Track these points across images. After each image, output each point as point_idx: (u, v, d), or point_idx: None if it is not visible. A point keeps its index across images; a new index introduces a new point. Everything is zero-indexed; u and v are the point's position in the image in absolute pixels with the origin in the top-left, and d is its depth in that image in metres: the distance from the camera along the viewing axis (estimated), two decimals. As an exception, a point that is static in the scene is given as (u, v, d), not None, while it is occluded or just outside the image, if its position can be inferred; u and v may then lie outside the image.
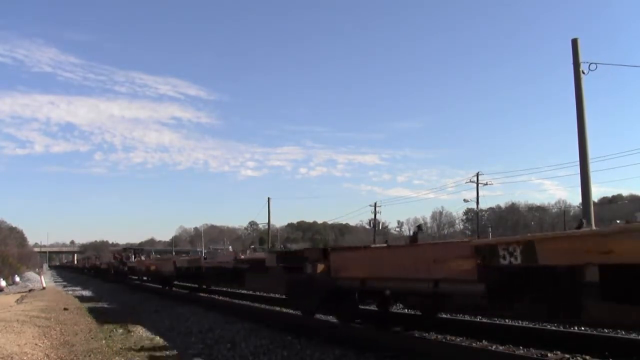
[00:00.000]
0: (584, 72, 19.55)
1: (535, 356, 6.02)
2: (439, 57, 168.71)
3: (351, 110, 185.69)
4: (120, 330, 11.49)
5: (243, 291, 16.17)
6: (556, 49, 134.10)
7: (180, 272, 17.38)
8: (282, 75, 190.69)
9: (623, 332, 6.74)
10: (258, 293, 15.44)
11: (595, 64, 19.57)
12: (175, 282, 20.17)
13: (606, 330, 7.10)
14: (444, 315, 8.90)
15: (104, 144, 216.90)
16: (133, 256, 34.54)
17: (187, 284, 19.63)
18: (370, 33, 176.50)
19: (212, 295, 17.28)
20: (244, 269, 12.08)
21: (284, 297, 13.05)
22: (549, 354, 6.07)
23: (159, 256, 50.68)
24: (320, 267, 7.97)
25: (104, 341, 10.12)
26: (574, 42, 19.74)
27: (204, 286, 17.85)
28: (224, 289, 17.46)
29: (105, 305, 18.76)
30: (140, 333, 11.04)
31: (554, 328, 7.13)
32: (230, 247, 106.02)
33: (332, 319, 9.30)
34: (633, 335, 6.32)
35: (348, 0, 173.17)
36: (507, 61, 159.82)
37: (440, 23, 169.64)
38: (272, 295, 14.43)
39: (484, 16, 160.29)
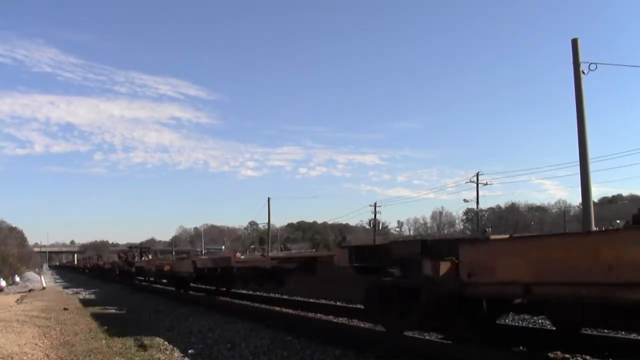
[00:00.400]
0: (584, 72, 19.57)
1: (535, 356, 6.01)
2: (439, 57, 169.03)
3: (351, 110, 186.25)
4: (120, 330, 11.49)
5: (264, 294, 15.78)
6: (556, 49, 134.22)
7: (202, 273, 15.30)
8: (282, 75, 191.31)
9: (623, 333, 6.73)
10: (258, 293, 15.33)
11: (595, 64, 19.61)
12: (192, 284, 18.06)
13: (606, 330, 7.10)
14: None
15: (103, 144, 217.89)
16: (139, 256, 33.51)
17: (208, 287, 17.67)
18: (370, 33, 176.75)
19: (212, 296, 17.27)
20: (286, 269, 10.36)
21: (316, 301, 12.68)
22: (549, 354, 6.06)
23: (161, 256, 50.51)
24: (445, 267, 5.60)
25: (104, 341, 10.12)
26: (574, 42, 19.76)
27: (223, 289, 16.18)
28: (256, 293, 15.83)
29: (106, 306, 18.75)
30: (140, 333, 11.04)
31: (554, 328, 7.12)
32: (223, 247, 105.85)
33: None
34: (633, 336, 6.31)
35: (348, 0, 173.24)
36: (507, 61, 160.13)
37: (440, 23, 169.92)
38: (272, 295, 14.40)
39: (484, 16, 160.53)
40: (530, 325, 7.72)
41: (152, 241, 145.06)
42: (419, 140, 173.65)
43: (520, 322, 8.31)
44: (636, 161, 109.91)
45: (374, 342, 6.77)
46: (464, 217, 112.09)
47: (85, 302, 20.11)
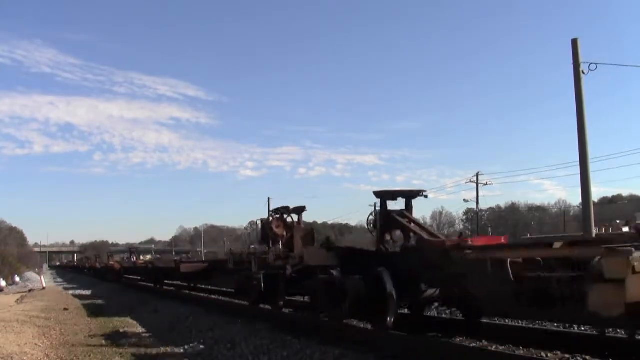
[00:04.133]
0: (584, 72, 19.54)
1: (535, 356, 6.02)
2: (439, 57, 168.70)
3: (350, 110, 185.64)
4: (121, 331, 11.49)
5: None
6: (556, 49, 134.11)
7: None
8: (282, 75, 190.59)
9: (622, 332, 6.73)
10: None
11: (595, 64, 19.56)
12: None
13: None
14: (444, 316, 8.82)
15: (103, 144, 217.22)
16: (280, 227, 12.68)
17: None
18: (369, 33, 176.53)
19: (212, 296, 17.24)
20: None
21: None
22: (549, 354, 6.07)
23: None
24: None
25: (104, 341, 10.12)
26: (574, 42, 19.73)
27: None
28: None
29: (89, 293, 18.74)
30: (141, 333, 11.04)
31: (554, 328, 7.13)
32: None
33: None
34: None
35: (348, 0, 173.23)
36: (507, 61, 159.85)
37: (440, 23, 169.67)
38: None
39: (483, 16, 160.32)
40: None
41: (152, 241, 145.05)
42: (419, 140, 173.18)
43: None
44: (636, 161, 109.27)
45: None
46: (464, 217, 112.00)
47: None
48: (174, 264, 19.38)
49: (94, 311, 16.46)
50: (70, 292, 28.48)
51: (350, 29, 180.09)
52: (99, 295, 23.61)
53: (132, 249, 43.90)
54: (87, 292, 26.85)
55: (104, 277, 34.88)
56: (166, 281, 22.35)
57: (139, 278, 27.39)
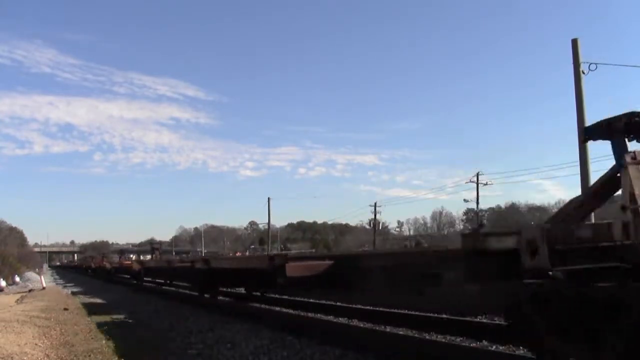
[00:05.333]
0: (584, 72, 19.57)
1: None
2: (439, 57, 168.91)
3: (350, 110, 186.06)
4: (120, 330, 11.48)
5: (242, 290, 15.80)
6: (556, 49, 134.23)
7: None
8: (282, 75, 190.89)
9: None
10: (258, 293, 15.05)
11: (596, 64, 19.61)
12: None
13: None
14: (444, 316, 8.87)
15: (103, 144, 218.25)
16: None
17: None
18: (369, 33, 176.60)
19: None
20: None
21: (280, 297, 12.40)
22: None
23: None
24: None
25: (104, 341, 10.11)
26: (574, 42, 19.76)
27: None
28: None
29: (105, 302, 18.71)
30: (140, 333, 11.03)
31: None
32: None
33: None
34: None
35: (348, 0, 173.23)
36: (507, 61, 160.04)
37: (441, 23, 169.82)
38: (271, 295, 14.36)
39: (483, 16, 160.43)
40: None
41: (152, 241, 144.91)
42: (418, 140, 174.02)
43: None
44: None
45: None
46: (464, 217, 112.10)
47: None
48: (268, 262, 8.19)
49: (93, 310, 15.17)
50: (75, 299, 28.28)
51: (350, 29, 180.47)
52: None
53: (154, 246, 34.99)
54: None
55: (111, 278, 32.08)
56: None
57: (169, 282, 21.75)
